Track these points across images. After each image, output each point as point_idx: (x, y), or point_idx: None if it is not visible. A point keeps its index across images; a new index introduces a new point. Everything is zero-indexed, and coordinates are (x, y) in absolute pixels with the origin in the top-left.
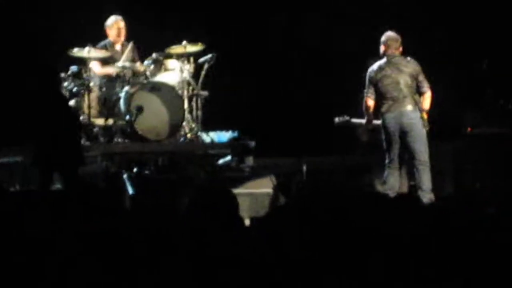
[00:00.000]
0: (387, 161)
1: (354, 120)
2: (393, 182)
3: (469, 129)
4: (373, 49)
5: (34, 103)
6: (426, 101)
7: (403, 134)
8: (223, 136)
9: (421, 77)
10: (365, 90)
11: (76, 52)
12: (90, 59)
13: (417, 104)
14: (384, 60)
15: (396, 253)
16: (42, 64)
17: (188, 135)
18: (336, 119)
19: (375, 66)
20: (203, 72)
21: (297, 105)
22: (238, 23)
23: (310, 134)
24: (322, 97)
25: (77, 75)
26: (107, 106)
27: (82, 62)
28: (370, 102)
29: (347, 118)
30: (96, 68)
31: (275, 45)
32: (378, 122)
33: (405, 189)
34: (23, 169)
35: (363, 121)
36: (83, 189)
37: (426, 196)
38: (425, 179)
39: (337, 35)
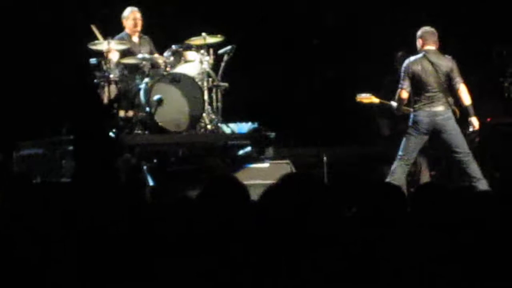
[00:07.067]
0: (401, 153)
1: (379, 100)
2: (400, 175)
3: (488, 119)
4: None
5: (69, 95)
6: (463, 95)
7: (437, 132)
8: (243, 127)
9: (455, 73)
10: (401, 82)
11: (95, 44)
12: (109, 51)
13: (448, 102)
14: (421, 54)
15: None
16: (75, 55)
17: (208, 127)
18: (358, 96)
19: (412, 59)
20: (223, 64)
21: (317, 95)
22: (255, 12)
23: (330, 124)
24: (345, 86)
25: (96, 68)
26: (127, 98)
27: (101, 55)
28: (405, 95)
29: (369, 95)
30: (115, 59)
31: (294, 34)
32: (408, 109)
33: (426, 179)
34: (45, 161)
35: (393, 104)
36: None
37: (482, 182)
38: (474, 168)
39: (362, 21)
